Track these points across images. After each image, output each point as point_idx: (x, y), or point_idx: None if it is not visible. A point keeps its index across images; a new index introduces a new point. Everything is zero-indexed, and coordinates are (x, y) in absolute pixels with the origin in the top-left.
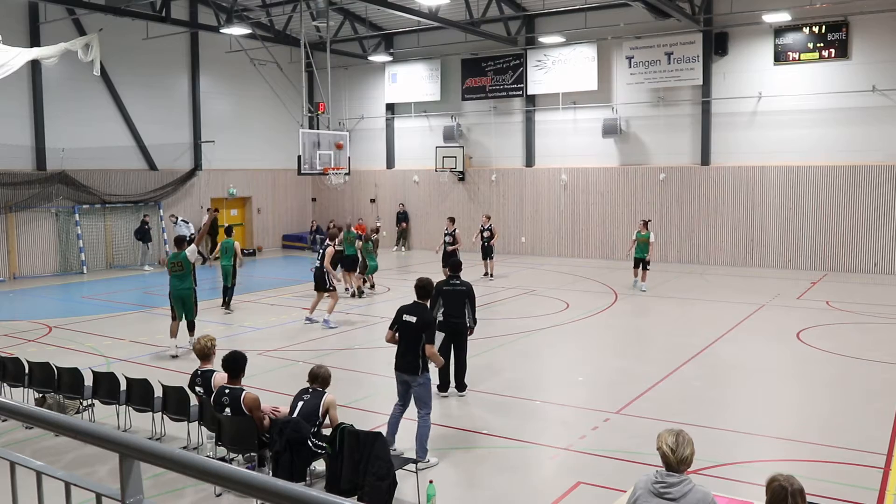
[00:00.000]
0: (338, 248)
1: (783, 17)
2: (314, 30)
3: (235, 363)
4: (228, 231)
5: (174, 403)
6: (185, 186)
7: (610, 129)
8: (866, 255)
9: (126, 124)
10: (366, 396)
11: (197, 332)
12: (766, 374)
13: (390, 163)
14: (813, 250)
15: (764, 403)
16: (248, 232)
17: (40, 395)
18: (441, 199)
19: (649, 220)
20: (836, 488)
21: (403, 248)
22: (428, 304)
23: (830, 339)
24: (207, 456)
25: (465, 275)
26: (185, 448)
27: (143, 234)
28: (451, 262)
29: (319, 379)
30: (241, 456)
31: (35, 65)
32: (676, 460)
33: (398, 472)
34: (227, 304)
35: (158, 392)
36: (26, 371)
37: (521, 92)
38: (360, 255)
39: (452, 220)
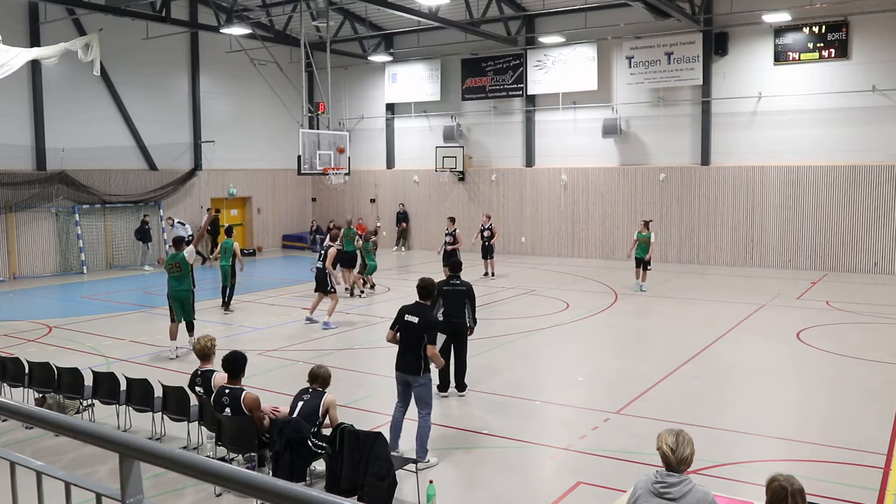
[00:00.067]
0: (337, 245)
1: (783, 17)
2: (314, 30)
3: (235, 363)
4: (229, 231)
5: (174, 403)
6: (185, 186)
7: (610, 129)
8: (866, 255)
9: (126, 124)
10: (366, 396)
11: (197, 332)
12: (766, 374)
13: (390, 163)
14: (813, 250)
15: (764, 403)
16: (248, 232)
17: (40, 395)
18: (441, 199)
19: (650, 221)
20: (836, 488)
21: (403, 248)
22: (430, 305)
23: (830, 339)
24: (207, 456)
25: (465, 275)
26: (185, 448)
27: (143, 234)
28: (451, 262)
29: (319, 379)
30: (241, 456)
31: (35, 65)
32: (676, 460)
33: (398, 472)
34: (226, 304)
35: (158, 392)
36: (26, 371)
37: (521, 92)
38: (358, 254)
39: (453, 219)
